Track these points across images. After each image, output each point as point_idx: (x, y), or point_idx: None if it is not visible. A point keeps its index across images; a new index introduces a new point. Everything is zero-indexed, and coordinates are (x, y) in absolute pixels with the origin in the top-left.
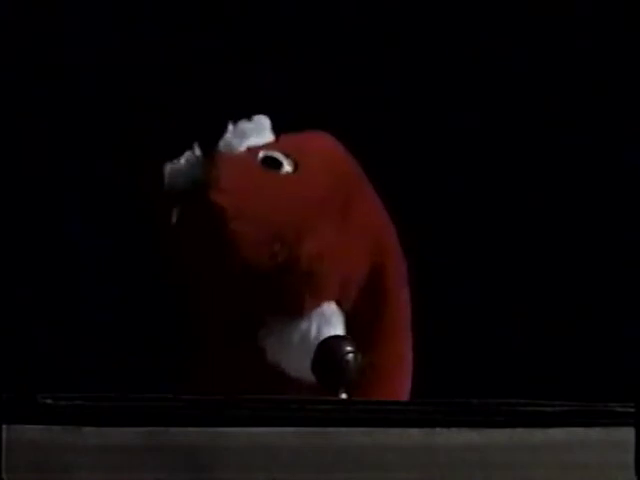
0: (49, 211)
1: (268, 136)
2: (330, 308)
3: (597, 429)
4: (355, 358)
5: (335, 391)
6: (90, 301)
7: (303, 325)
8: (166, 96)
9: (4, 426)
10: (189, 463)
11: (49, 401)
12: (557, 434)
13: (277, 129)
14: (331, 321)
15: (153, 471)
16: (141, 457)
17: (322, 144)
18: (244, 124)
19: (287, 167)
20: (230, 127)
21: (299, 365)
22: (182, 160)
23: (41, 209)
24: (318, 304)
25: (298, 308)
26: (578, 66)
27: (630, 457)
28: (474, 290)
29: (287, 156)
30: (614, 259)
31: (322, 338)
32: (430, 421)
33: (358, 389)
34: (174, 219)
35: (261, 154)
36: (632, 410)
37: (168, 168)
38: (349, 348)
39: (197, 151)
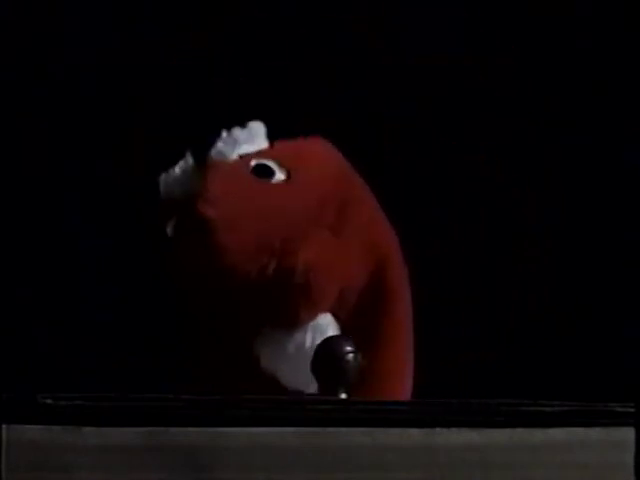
0: (49, 211)
1: (262, 143)
2: (326, 319)
3: (597, 429)
4: (355, 358)
5: (335, 391)
6: (90, 301)
7: (298, 336)
8: (164, 99)
9: (4, 426)
10: (189, 463)
11: (49, 401)
12: (557, 434)
13: (275, 134)
14: (326, 332)
15: (153, 471)
16: (141, 457)
17: (318, 150)
18: (237, 131)
19: (280, 175)
20: (223, 134)
21: (294, 375)
22: (177, 169)
23: (41, 209)
24: (314, 315)
25: (293, 319)
26: (578, 66)
27: (630, 457)
28: (474, 290)
29: (280, 164)
30: (614, 259)
31: None
32: (430, 421)
33: (358, 391)
34: (169, 230)
35: (253, 162)
36: (632, 410)
37: (163, 178)
38: (349, 348)
39: (190, 159)
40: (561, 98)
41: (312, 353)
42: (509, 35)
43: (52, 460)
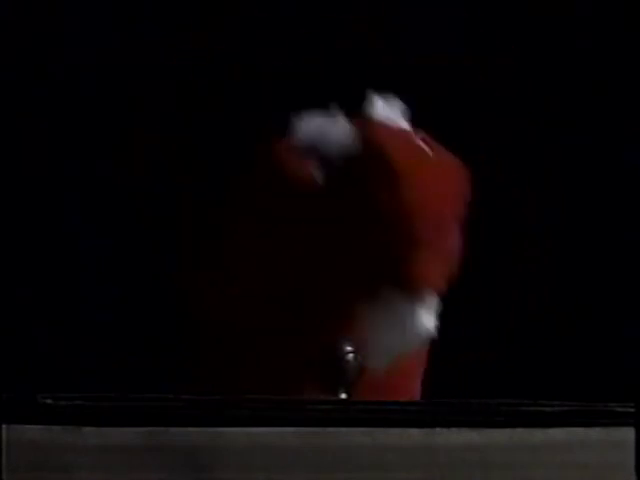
0: (49, 211)
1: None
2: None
3: (597, 429)
4: (355, 358)
5: (335, 391)
6: (90, 301)
7: (415, 307)
8: (164, 99)
9: (4, 426)
10: (189, 463)
11: (49, 401)
12: (557, 434)
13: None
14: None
15: (153, 471)
16: (141, 457)
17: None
18: (393, 101)
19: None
20: (378, 100)
21: (386, 347)
22: (320, 119)
23: (41, 209)
24: (441, 288)
25: (422, 284)
26: (578, 66)
27: (630, 457)
28: (474, 290)
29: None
30: (614, 259)
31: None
32: (430, 421)
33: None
34: (319, 177)
35: (418, 138)
36: (632, 410)
37: (303, 122)
38: (349, 348)
39: (337, 113)
40: (561, 98)
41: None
42: (509, 35)
43: (52, 460)
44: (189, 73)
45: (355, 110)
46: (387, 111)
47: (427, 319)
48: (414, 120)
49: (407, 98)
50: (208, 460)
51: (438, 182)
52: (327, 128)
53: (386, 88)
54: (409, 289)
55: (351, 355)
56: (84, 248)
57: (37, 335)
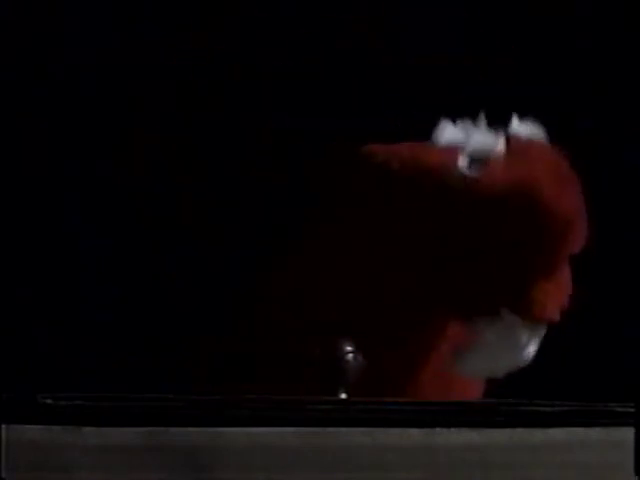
0: (49, 211)
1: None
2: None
3: (597, 429)
4: (355, 358)
5: (335, 391)
6: (90, 301)
7: (528, 333)
8: (164, 99)
9: (4, 426)
10: (189, 463)
11: (49, 401)
12: (557, 434)
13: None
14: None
15: (153, 471)
16: (141, 457)
17: None
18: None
19: None
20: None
21: (487, 368)
22: (464, 125)
23: (41, 209)
24: (554, 317)
25: (542, 313)
26: (578, 66)
27: (630, 457)
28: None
29: None
30: (614, 259)
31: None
32: (430, 421)
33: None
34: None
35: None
36: (632, 410)
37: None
38: (349, 348)
39: (482, 123)
40: (561, 98)
41: (523, 359)
42: (509, 35)
43: (52, 460)
44: (189, 73)
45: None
46: (525, 129)
47: (532, 349)
48: (414, 120)
49: (407, 98)
50: (208, 460)
51: (576, 211)
52: (473, 132)
53: (386, 88)
54: (529, 318)
55: (351, 355)
56: (84, 248)
57: (37, 335)
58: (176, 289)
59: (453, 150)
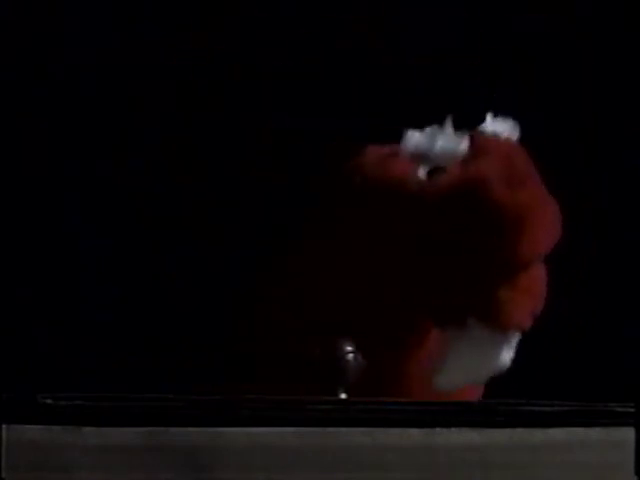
0: (49, 211)
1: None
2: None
3: (597, 429)
4: (355, 358)
5: (335, 391)
6: (90, 301)
7: (499, 343)
8: (164, 99)
9: (4, 426)
10: (189, 463)
11: (49, 401)
12: (557, 434)
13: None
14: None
15: (153, 471)
16: (141, 457)
17: None
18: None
19: None
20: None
21: (457, 378)
22: (430, 129)
23: (41, 209)
24: (525, 326)
25: (507, 321)
26: (578, 66)
27: (630, 457)
28: None
29: None
30: (614, 259)
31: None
32: (430, 421)
33: None
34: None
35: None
36: (632, 410)
37: (430, 133)
38: (349, 348)
39: (448, 125)
40: (561, 98)
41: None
42: (509, 35)
43: (52, 460)
44: (189, 73)
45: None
46: (498, 127)
47: (506, 356)
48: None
49: (407, 98)
50: (208, 460)
51: (532, 207)
52: (437, 138)
53: (386, 88)
54: (496, 327)
55: (351, 355)
56: (84, 248)
57: (37, 335)
58: (176, 289)
59: (416, 158)
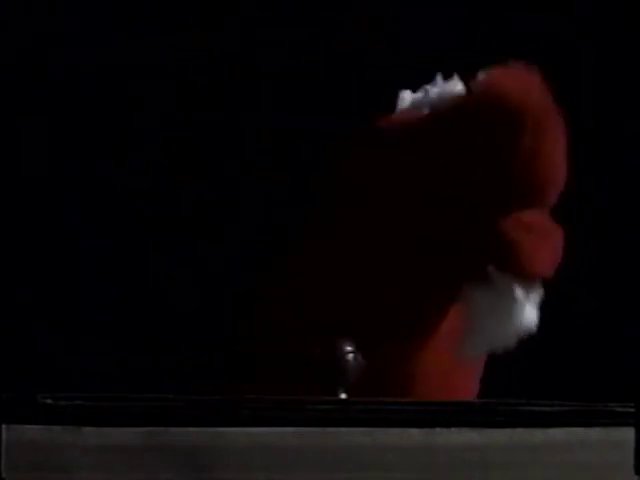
0: (49, 211)
1: None
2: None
3: (597, 429)
4: (355, 358)
5: (335, 391)
6: (90, 301)
7: (526, 291)
8: (164, 99)
9: (4, 426)
10: (189, 463)
11: (49, 401)
12: (557, 434)
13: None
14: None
15: (153, 471)
16: (141, 457)
17: None
18: None
19: None
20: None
21: (492, 336)
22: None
23: (41, 209)
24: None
25: (532, 268)
26: (578, 66)
27: (630, 457)
28: None
29: None
30: (614, 259)
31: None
32: (430, 421)
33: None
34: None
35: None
36: (632, 410)
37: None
38: (349, 348)
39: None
40: (560, 98)
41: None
42: (508, 34)
43: (52, 460)
44: (189, 73)
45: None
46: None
47: (531, 313)
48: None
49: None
50: (208, 460)
51: (558, 146)
52: (431, 89)
53: (386, 88)
54: (518, 273)
55: (351, 355)
56: (84, 248)
57: (37, 335)
58: (176, 289)
59: (413, 109)
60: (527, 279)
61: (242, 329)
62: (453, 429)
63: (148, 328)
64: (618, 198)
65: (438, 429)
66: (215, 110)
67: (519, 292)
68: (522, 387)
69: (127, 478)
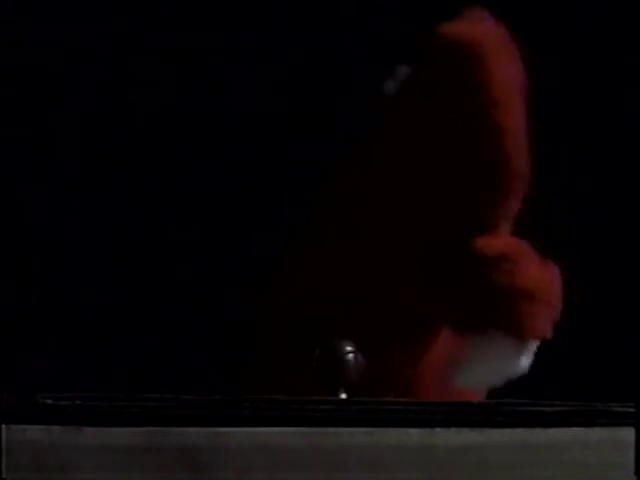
0: (49, 211)
1: None
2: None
3: (597, 429)
4: (355, 358)
5: (335, 391)
6: (90, 301)
7: (520, 353)
8: (164, 99)
9: (4, 426)
10: (189, 463)
11: (49, 401)
12: (557, 434)
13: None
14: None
15: (153, 471)
16: (141, 457)
17: None
18: None
19: None
20: None
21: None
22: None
23: (41, 209)
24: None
25: (532, 331)
26: (578, 66)
27: (630, 457)
28: None
29: None
30: (614, 259)
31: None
32: (430, 421)
33: None
34: None
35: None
36: (632, 410)
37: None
38: (349, 348)
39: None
40: (561, 98)
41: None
42: (509, 35)
43: (52, 460)
44: (189, 73)
45: None
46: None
47: (525, 363)
48: None
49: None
50: (208, 460)
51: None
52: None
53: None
54: (515, 335)
55: (351, 355)
56: (84, 248)
57: (37, 335)
58: (176, 289)
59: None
60: (526, 341)
61: (243, 328)
62: (453, 429)
63: (148, 328)
64: (618, 198)
65: (438, 429)
66: (215, 110)
67: (516, 350)
68: (522, 387)
69: (127, 478)
